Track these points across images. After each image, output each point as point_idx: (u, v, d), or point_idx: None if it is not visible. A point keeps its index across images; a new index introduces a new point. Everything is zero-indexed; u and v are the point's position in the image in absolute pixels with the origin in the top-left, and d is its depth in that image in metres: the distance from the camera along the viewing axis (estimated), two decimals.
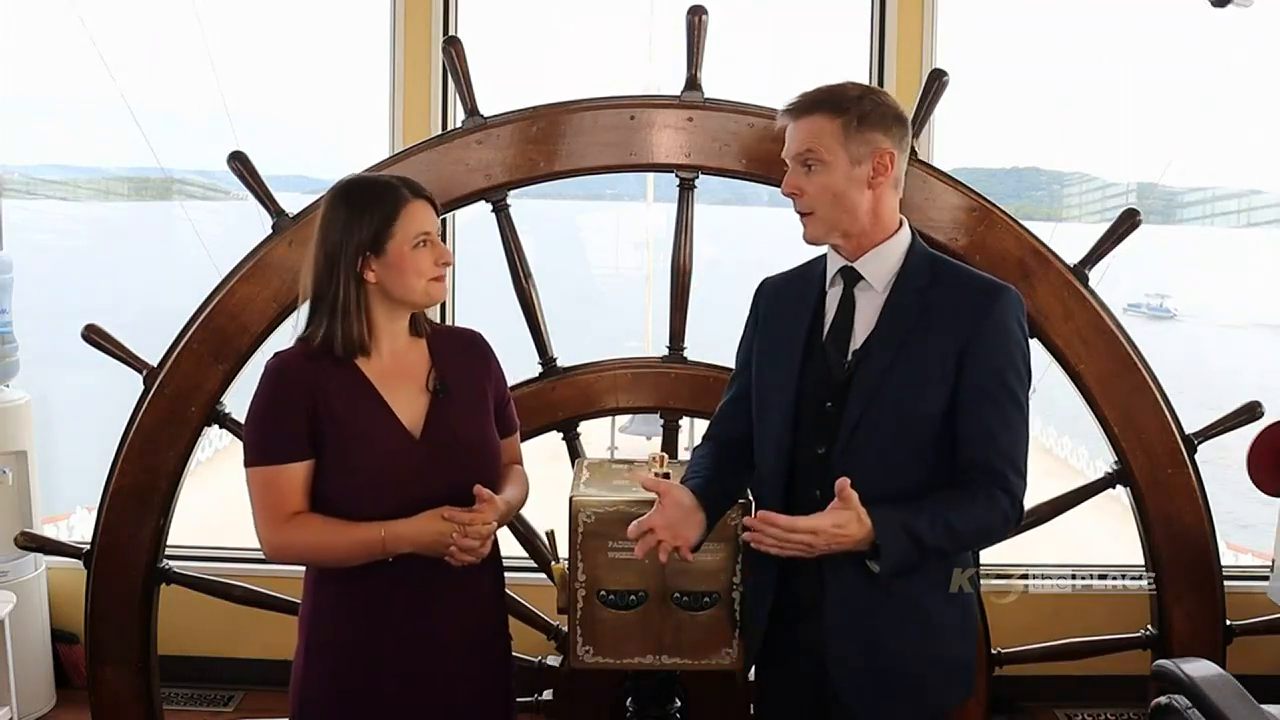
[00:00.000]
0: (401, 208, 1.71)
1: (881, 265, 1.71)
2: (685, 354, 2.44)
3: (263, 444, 1.71)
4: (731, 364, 1.93)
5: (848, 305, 1.72)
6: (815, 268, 1.80)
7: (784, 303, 1.81)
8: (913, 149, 2.31)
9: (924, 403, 1.65)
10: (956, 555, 1.70)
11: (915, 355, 1.65)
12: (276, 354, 1.78)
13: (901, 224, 1.74)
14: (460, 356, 1.83)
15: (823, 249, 1.79)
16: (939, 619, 1.72)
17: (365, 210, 1.70)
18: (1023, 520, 1.70)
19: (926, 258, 1.74)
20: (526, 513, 2.09)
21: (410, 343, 1.80)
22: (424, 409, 1.76)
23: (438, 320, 2.04)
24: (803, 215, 1.71)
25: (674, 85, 2.38)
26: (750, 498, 1.92)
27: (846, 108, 1.66)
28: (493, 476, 1.79)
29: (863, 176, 1.67)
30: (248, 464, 1.72)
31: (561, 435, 2.47)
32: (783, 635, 1.78)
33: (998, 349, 1.65)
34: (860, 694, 1.69)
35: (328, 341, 1.71)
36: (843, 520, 1.56)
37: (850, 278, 1.73)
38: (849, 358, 1.70)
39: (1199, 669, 1.87)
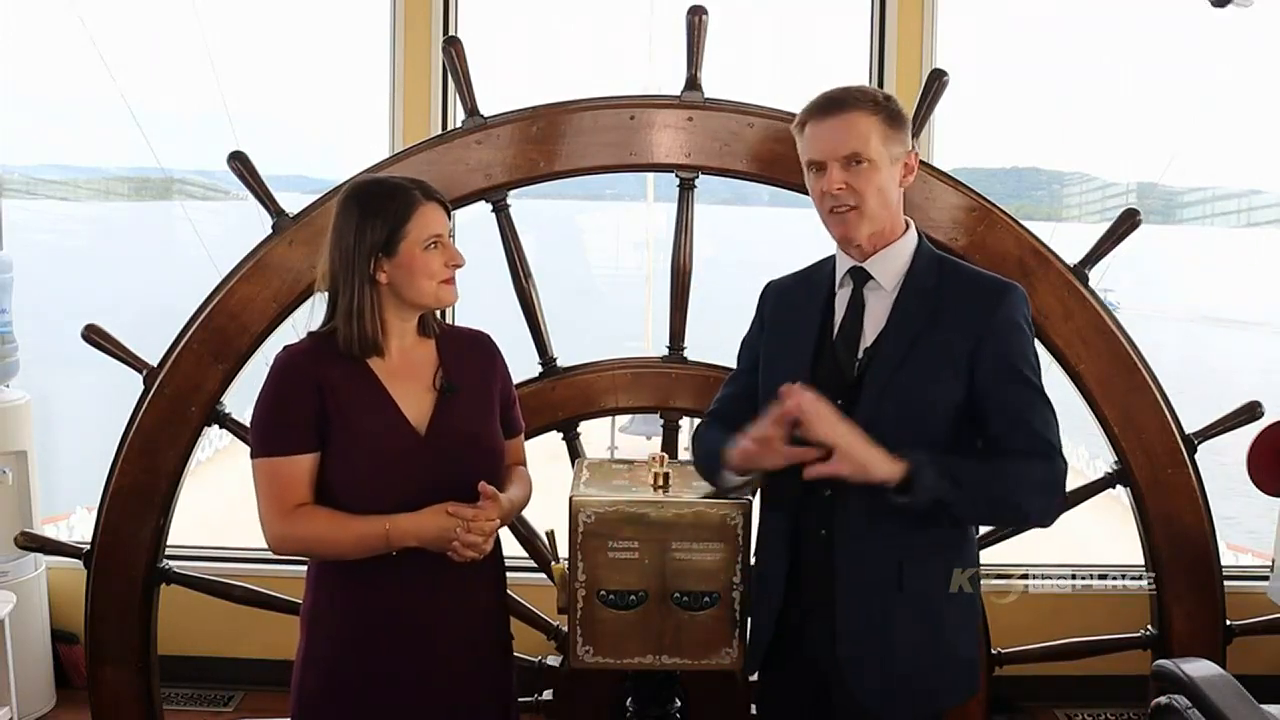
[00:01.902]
0: (414, 210, 1.73)
1: (891, 265, 1.72)
2: (685, 354, 2.44)
3: (269, 436, 1.72)
4: (731, 364, 1.93)
5: (857, 305, 1.73)
6: (822, 269, 1.81)
7: (791, 304, 1.82)
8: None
9: (935, 400, 1.66)
10: (950, 553, 1.69)
11: (925, 353, 1.67)
12: (286, 347, 1.79)
13: (908, 225, 1.76)
14: (468, 356, 1.85)
15: (830, 250, 1.79)
16: (949, 618, 1.72)
17: (378, 212, 1.72)
18: (1060, 511, 1.69)
19: (934, 258, 1.76)
20: (526, 513, 2.09)
21: (418, 341, 1.81)
22: (430, 407, 1.77)
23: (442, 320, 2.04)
24: (846, 211, 1.69)
25: (674, 85, 2.38)
26: (749, 497, 1.92)
27: (882, 106, 1.68)
28: (496, 476, 1.80)
29: (897, 175, 1.70)
30: (254, 455, 1.74)
31: (561, 435, 2.47)
32: (788, 635, 1.78)
33: (1010, 343, 1.67)
34: (870, 693, 1.69)
35: (341, 341, 1.73)
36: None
37: (860, 278, 1.74)
38: (859, 357, 1.71)
39: (1199, 669, 1.87)
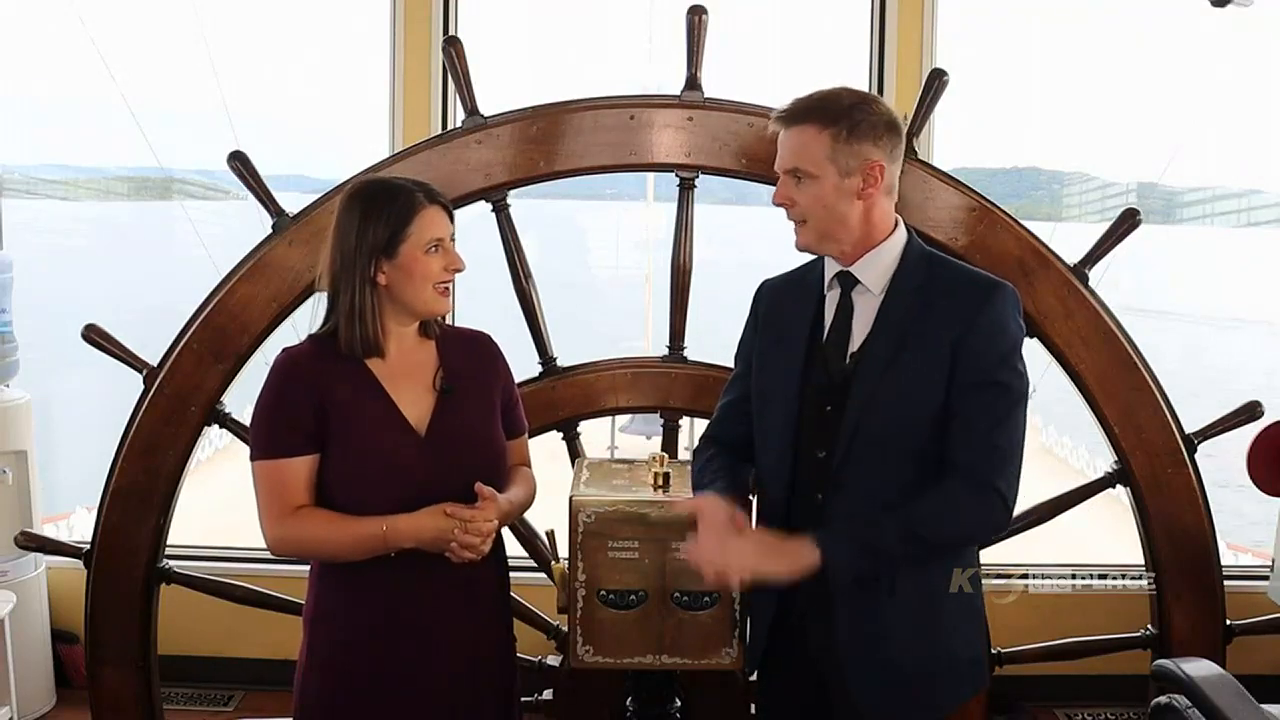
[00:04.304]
0: (416, 212, 1.72)
1: (877, 268, 1.71)
2: (685, 354, 2.44)
3: (268, 438, 1.72)
4: (731, 363, 1.93)
5: (846, 309, 1.72)
6: (814, 270, 1.80)
7: (784, 305, 1.81)
8: (913, 149, 2.32)
9: (922, 403, 1.65)
10: (948, 555, 1.69)
11: (913, 356, 1.65)
12: (285, 349, 1.79)
13: (897, 225, 1.74)
14: (469, 357, 1.84)
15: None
16: (946, 619, 1.72)
17: (379, 213, 1.72)
18: (1013, 514, 1.68)
19: (923, 257, 1.74)
20: (527, 512, 2.10)
21: (419, 342, 1.81)
22: (430, 408, 1.77)
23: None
24: (797, 223, 1.71)
25: (674, 85, 2.38)
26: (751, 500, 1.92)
27: (837, 118, 1.64)
28: (497, 476, 1.80)
29: (853, 188, 1.66)
30: (253, 457, 1.74)
31: (561, 435, 2.47)
32: (787, 635, 1.78)
33: (991, 344, 1.65)
34: (868, 694, 1.69)
35: (343, 342, 1.73)
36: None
37: (847, 282, 1.73)
38: (847, 361, 1.70)
39: (1199, 669, 1.87)
